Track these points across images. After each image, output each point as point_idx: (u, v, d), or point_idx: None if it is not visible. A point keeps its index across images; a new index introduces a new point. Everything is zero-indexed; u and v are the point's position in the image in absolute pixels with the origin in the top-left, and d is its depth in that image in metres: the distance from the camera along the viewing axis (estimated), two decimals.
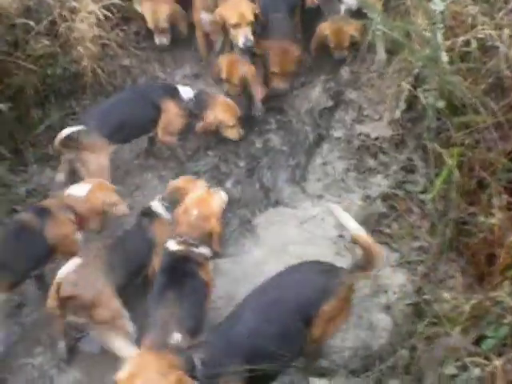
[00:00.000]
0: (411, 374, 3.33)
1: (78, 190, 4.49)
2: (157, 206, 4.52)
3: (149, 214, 4.49)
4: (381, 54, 5.26)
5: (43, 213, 4.36)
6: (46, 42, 5.26)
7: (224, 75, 5.45)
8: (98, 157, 4.81)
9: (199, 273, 4.04)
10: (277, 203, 5.14)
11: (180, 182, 4.65)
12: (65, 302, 3.99)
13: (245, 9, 5.35)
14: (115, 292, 4.13)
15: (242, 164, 5.35)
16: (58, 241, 4.36)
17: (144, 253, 4.38)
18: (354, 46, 5.47)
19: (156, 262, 4.30)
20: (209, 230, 4.07)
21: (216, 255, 4.28)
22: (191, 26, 5.91)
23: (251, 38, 5.32)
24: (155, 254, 4.36)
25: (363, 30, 5.29)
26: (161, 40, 5.80)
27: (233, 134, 5.41)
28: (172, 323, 3.62)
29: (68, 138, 4.64)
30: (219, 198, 4.32)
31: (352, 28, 5.39)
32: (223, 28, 5.46)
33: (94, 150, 4.78)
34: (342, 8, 5.54)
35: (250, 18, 5.33)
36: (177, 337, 3.68)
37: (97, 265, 4.12)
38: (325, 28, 5.45)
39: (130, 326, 4.17)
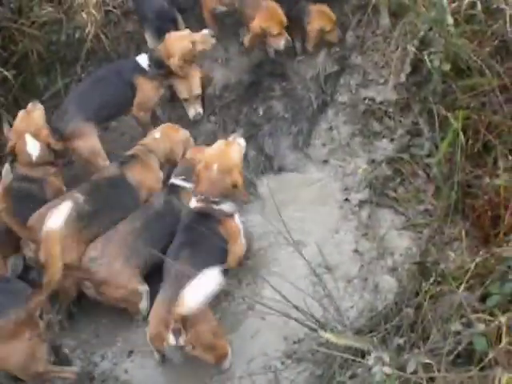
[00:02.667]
0: (416, 332, 3.35)
1: None
2: (177, 181, 4.52)
3: (174, 190, 4.50)
4: (385, 18, 5.22)
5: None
6: (50, 9, 5.25)
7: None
8: (89, 141, 4.83)
9: (219, 230, 4.05)
10: (280, 170, 5.16)
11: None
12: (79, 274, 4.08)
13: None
14: (139, 272, 4.18)
15: (240, 131, 5.25)
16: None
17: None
18: (360, 9, 5.43)
19: None
20: (232, 182, 4.06)
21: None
22: None
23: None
24: None
25: None
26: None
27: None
28: (185, 279, 3.58)
29: (54, 131, 4.66)
30: (238, 147, 4.26)
31: None
32: None
33: (82, 136, 4.81)
34: None
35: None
36: None
37: (120, 245, 4.16)
38: None
39: (144, 303, 4.21)
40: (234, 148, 4.21)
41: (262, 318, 4.16)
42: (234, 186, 4.07)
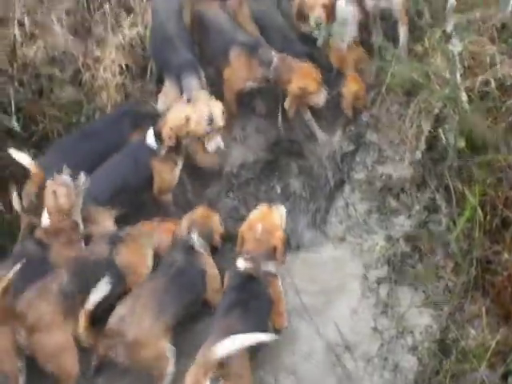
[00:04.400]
0: None
1: None
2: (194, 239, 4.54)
3: (191, 247, 4.51)
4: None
5: None
6: (71, 90, 5.37)
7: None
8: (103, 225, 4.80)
9: (267, 290, 4.12)
10: (298, 247, 5.13)
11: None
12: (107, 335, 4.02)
13: None
14: (167, 331, 4.12)
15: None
16: None
17: (198, 286, 4.41)
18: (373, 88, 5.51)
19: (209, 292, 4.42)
20: (274, 244, 4.16)
21: None
22: None
23: None
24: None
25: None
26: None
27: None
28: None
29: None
30: (279, 212, 4.40)
31: None
32: None
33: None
34: None
35: None
36: None
37: (149, 303, 4.12)
38: None
39: (171, 367, 4.12)
40: (276, 212, 4.37)
41: None
42: (275, 248, 4.16)
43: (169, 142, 4.82)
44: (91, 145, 4.97)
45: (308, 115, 5.57)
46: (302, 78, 5.30)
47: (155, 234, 4.66)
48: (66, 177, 4.47)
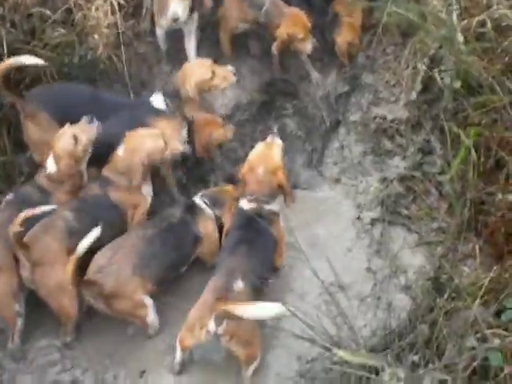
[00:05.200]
0: (431, 349, 3.33)
1: None
2: (200, 202, 4.57)
3: (192, 209, 4.53)
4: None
5: None
6: (63, 31, 5.28)
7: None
8: None
9: (271, 230, 4.16)
10: (294, 187, 5.14)
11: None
12: (85, 285, 4.05)
13: None
14: (145, 285, 4.13)
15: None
16: None
17: (186, 248, 4.41)
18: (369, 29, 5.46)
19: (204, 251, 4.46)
20: (277, 183, 4.16)
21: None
22: None
23: None
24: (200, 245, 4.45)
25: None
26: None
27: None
28: (238, 272, 3.80)
29: None
30: (278, 147, 4.34)
31: None
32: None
33: None
34: None
35: None
36: (240, 284, 3.80)
37: (129, 254, 4.13)
38: None
39: (151, 317, 4.18)
40: (274, 149, 4.31)
41: (275, 338, 4.15)
42: (280, 185, 4.17)
43: (195, 95, 4.78)
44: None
45: (304, 56, 5.52)
46: (292, 24, 5.23)
47: None
48: (87, 124, 4.45)
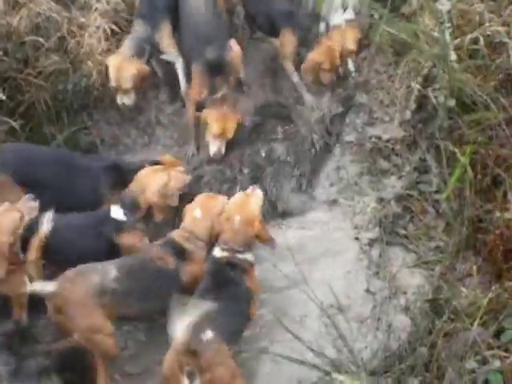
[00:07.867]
0: (431, 372, 3.30)
1: None
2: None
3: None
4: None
5: None
6: (56, 58, 5.30)
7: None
8: None
9: (244, 280, 4.07)
10: (284, 213, 5.14)
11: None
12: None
13: None
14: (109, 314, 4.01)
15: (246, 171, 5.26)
16: None
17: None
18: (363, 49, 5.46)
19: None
20: (254, 233, 4.12)
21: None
22: None
23: None
24: None
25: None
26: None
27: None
28: (206, 323, 3.58)
29: None
30: (257, 198, 4.31)
31: None
32: None
33: None
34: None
35: None
36: (209, 334, 3.60)
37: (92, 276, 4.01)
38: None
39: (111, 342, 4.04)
40: (253, 199, 4.27)
41: (275, 362, 4.10)
42: (258, 236, 4.14)
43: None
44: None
45: (296, 77, 5.52)
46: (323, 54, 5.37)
47: None
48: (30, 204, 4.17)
